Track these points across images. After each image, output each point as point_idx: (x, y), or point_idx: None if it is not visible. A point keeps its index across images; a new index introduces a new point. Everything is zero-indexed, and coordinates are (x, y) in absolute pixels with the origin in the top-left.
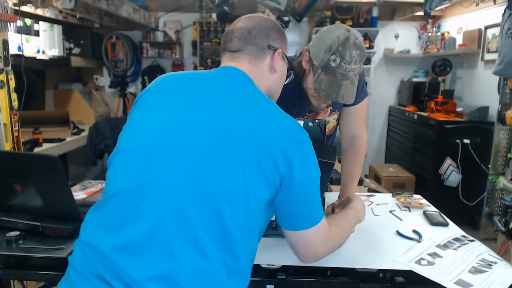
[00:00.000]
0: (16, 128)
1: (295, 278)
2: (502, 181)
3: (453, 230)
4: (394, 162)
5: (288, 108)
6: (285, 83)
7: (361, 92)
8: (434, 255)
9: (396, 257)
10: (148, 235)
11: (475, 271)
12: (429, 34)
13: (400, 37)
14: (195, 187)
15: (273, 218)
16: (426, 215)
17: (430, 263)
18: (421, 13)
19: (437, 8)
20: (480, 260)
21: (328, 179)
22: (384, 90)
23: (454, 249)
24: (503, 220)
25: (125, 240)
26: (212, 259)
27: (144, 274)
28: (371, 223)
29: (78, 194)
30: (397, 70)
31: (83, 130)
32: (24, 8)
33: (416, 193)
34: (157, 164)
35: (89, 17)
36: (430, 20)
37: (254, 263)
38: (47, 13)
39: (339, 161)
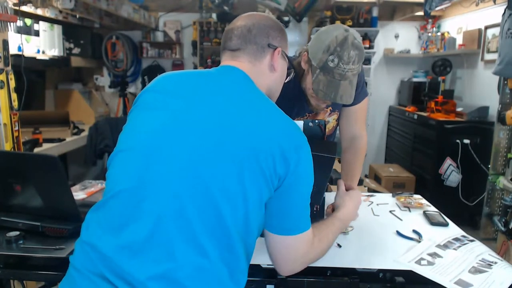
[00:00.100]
0: (16, 128)
1: (295, 278)
2: (502, 181)
3: (453, 230)
4: (394, 162)
5: (288, 108)
6: (286, 81)
7: (361, 92)
8: (434, 255)
9: (396, 257)
10: (149, 235)
11: (475, 271)
12: (429, 34)
13: (400, 37)
14: (195, 187)
15: None
16: (426, 215)
17: (430, 263)
18: (421, 13)
19: (437, 8)
20: (480, 260)
21: (329, 175)
22: (384, 90)
23: (454, 249)
24: (503, 220)
25: (126, 240)
26: (212, 258)
27: (145, 274)
28: (371, 223)
29: (78, 194)
30: (397, 70)
31: (83, 130)
32: (24, 8)
33: (416, 193)
34: (157, 164)
35: (89, 17)
36: (430, 20)
37: (254, 263)
38: (47, 13)
39: (339, 161)
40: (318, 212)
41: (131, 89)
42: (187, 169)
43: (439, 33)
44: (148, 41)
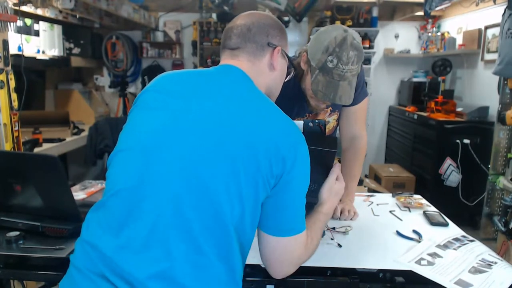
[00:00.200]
0: (16, 128)
1: (295, 278)
2: (502, 181)
3: (453, 230)
4: (394, 162)
5: (287, 108)
6: (286, 80)
7: (361, 92)
8: (434, 255)
9: (396, 257)
10: (148, 234)
11: (475, 271)
12: (429, 34)
13: (400, 37)
14: (194, 187)
15: None
16: (426, 215)
17: (430, 263)
18: (421, 13)
19: (437, 8)
20: (480, 260)
21: (329, 171)
22: (384, 90)
23: (454, 249)
24: (503, 220)
25: (125, 240)
26: (210, 256)
27: (144, 273)
28: (371, 223)
29: (78, 194)
30: (397, 70)
31: (83, 130)
32: (24, 8)
33: (416, 193)
34: (157, 163)
35: (89, 17)
36: (430, 20)
37: (254, 263)
38: (47, 13)
39: (339, 161)
40: None
41: (131, 89)
42: (186, 168)
43: (439, 33)
44: (148, 41)
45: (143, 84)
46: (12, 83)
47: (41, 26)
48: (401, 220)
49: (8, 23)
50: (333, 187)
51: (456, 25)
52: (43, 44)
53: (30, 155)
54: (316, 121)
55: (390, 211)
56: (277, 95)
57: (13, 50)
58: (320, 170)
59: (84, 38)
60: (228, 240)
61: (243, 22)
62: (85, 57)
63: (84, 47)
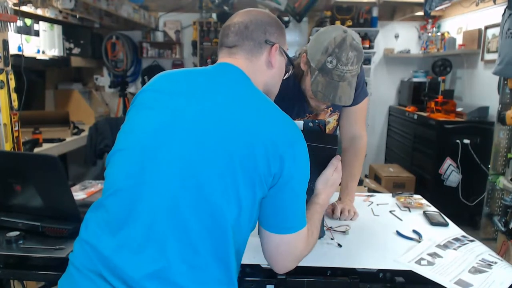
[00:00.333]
0: (16, 128)
1: (295, 278)
2: (502, 181)
3: (453, 230)
4: (394, 162)
5: (288, 109)
6: (284, 78)
7: (361, 92)
8: (434, 255)
9: (396, 257)
10: (145, 234)
11: (475, 271)
12: (429, 34)
13: (400, 37)
14: (190, 186)
15: None
16: (426, 215)
17: (430, 263)
18: (421, 13)
19: (437, 8)
20: (480, 260)
21: None
22: (384, 90)
23: (454, 249)
24: (503, 220)
25: (123, 240)
26: (205, 256)
27: (140, 273)
28: (371, 223)
29: (78, 194)
30: (397, 70)
31: (83, 130)
32: (24, 8)
33: (416, 193)
34: (154, 163)
35: (89, 17)
36: (430, 20)
37: (254, 263)
38: (47, 13)
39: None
40: None
41: (131, 89)
42: (184, 168)
43: (439, 33)
44: (148, 41)
45: (143, 84)
46: (12, 83)
47: (41, 26)
48: (401, 220)
49: (8, 23)
50: (329, 179)
51: (456, 25)
52: (43, 44)
53: (30, 155)
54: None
55: (390, 211)
56: (275, 93)
57: (13, 50)
58: (321, 167)
59: (84, 38)
60: (224, 240)
61: (241, 20)
62: (85, 57)
63: (84, 47)
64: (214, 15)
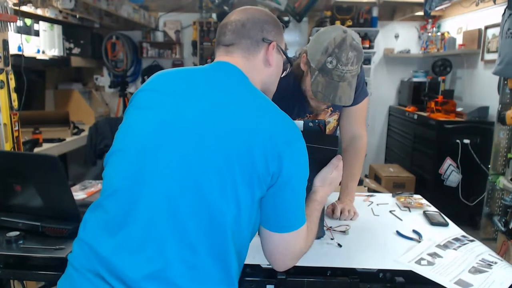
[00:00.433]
0: (16, 128)
1: (295, 278)
2: (502, 181)
3: (453, 230)
4: (394, 162)
5: (287, 108)
6: (282, 76)
7: (361, 92)
8: (434, 255)
9: (396, 257)
10: (143, 234)
11: (475, 271)
12: (429, 34)
13: (400, 37)
14: (188, 186)
15: None
16: (426, 215)
17: (430, 263)
18: (421, 13)
19: (437, 8)
20: (480, 260)
21: None
22: (384, 90)
23: (454, 249)
24: (503, 220)
25: (122, 240)
26: (204, 256)
27: (139, 273)
28: (371, 223)
29: (78, 194)
30: (397, 70)
31: (83, 130)
32: (24, 8)
33: (416, 193)
34: (152, 163)
35: (89, 17)
36: (430, 20)
37: (254, 263)
38: (47, 13)
39: None
40: None
41: (131, 89)
42: (182, 168)
43: (439, 33)
44: (148, 41)
45: None
46: (12, 83)
47: (41, 26)
48: (401, 220)
49: (8, 23)
50: (328, 177)
51: (456, 25)
52: (43, 44)
53: (30, 155)
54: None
55: (390, 211)
56: (273, 91)
57: (13, 50)
58: (321, 168)
59: (84, 38)
60: (223, 240)
61: (238, 18)
62: (85, 57)
63: (84, 47)
64: (214, 15)
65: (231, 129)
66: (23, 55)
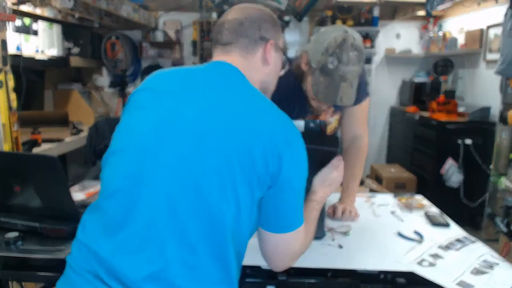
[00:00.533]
0: (15, 128)
1: (296, 280)
2: (504, 182)
3: (455, 231)
4: (395, 162)
5: (288, 109)
6: (281, 74)
7: (362, 92)
8: (435, 256)
9: (397, 258)
10: (143, 235)
11: (477, 272)
12: (431, 34)
13: (401, 37)
14: (188, 187)
15: None
16: (427, 216)
17: (431, 264)
18: (422, 13)
19: (439, 8)
20: (481, 261)
21: None
22: (385, 90)
23: (456, 250)
24: (505, 221)
25: (121, 242)
26: (204, 257)
27: (139, 274)
28: (372, 224)
29: (77, 194)
30: (399, 70)
31: (82, 130)
32: (23, 8)
33: (417, 193)
34: (152, 164)
35: (89, 17)
36: (431, 20)
37: (255, 264)
38: (46, 12)
39: None
40: (319, 216)
41: (130, 89)
42: (181, 169)
43: (440, 33)
44: (148, 41)
45: None
46: (11, 83)
47: (40, 25)
48: (402, 220)
49: (7, 22)
50: (326, 178)
51: (458, 25)
52: (42, 43)
53: (29, 156)
54: (317, 121)
55: (391, 212)
56: (272, 90)
57: (11, 49)
58: (321, 169)
59: (83, 38)
60: (223, 241)
61: (235, 17)
62: (85, 57)
63: (83, 47)
64: (214, 15)
65: (231, 129)
66: (22, 55)
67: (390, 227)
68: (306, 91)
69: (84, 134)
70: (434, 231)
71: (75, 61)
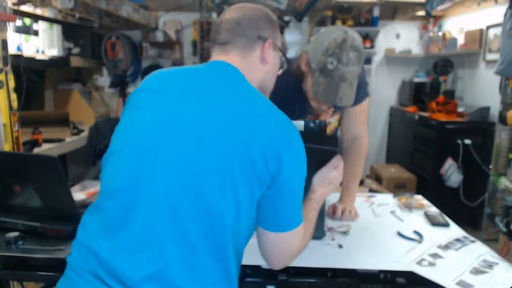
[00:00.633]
0: (16, 128)
1: (296, 279)
2: (504, 182)
3: (454, 230)
4: (395, 162)
5: (288, 109)
6: (279, 73)
7: (362, 92)
8: (435, 256)
9: (397, 258)
10: (143, 235)
11: (476, 272)
12: (431, 34)
13: (401, 37)
14: (188, 187)
15: None
16: (427, 215)
17: (431, 264)
18: (422, 13)
19: (439, 8)
20: (481, 261)
21: None
22: (385, 90)
23: (455, 250)
24: (505, 221)
25: (121, 242)
26: (204, 256)
27: (139, 274)
28: (372, 224)
29: (78, 194)
30: (398, 70)
31: (82, 131)
32: (23, 8)
33: (416, 193)
34: (150, 164)
35: (89, 17)
36: (431, 20)
37: (255, 264)
38: (46, 12)
39: None
40: (319, 216)
41: (131, 89)
42: (181, 169)
43: (440, 33)
44: (148, 41)
45: None
46: (12, 83)
47: (40, 25)
48: (402, 220)
49: (7, 22)
50: (326, 177)
51: (458, 25)
52: (43, 44)
53: (29, 156)
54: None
55: (391, 212)
56: (271, 89)
57: (12, 50)
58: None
59: (83, 38)
60: (222, 241)
61: (233, 16)
62: (85, 57)
63: (83, 47)
64: (214, 15)
65: (231, 129)
66: (22, 55)
67: (390, 227)
68: (306, 91)
69: (85, 134)
70: (434, 231)
71: (75, 61)
